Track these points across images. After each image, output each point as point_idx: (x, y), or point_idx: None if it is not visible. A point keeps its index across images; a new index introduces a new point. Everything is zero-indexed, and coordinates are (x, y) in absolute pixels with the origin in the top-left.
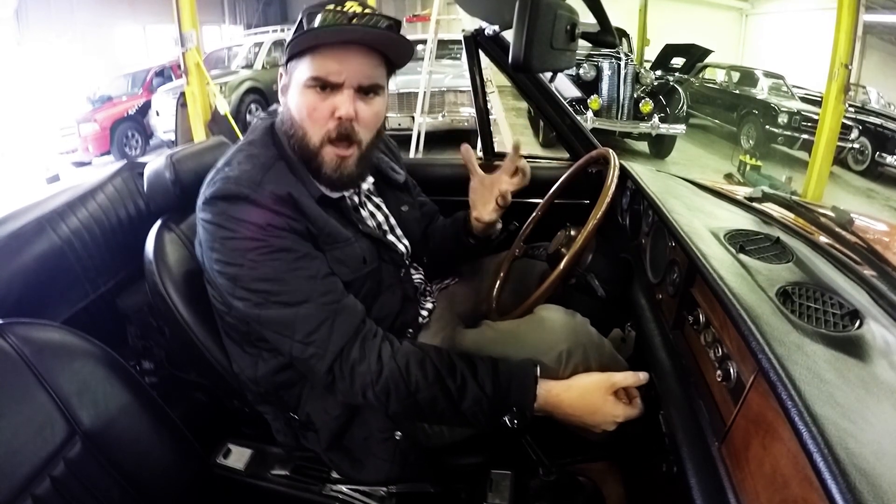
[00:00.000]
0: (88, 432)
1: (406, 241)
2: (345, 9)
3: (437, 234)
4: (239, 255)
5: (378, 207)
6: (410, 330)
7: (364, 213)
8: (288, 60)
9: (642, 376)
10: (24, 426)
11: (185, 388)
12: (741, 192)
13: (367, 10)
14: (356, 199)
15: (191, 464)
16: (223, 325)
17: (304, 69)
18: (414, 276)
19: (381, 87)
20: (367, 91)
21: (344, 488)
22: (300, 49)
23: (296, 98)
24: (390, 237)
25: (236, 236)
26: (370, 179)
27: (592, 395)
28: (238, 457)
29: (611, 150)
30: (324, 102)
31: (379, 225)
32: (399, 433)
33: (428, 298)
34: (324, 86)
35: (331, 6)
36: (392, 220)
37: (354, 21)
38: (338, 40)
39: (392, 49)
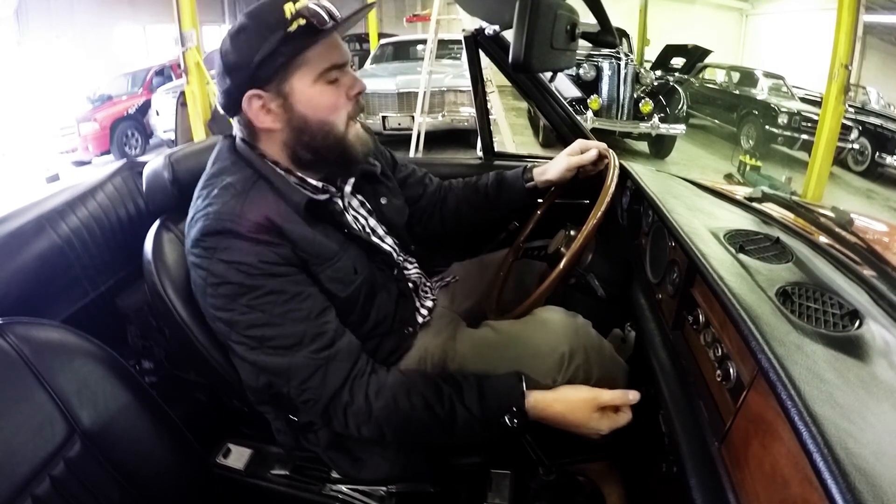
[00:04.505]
0: (88, 432)
1: (390, 240)
2: (303, 3)
3: (459, 191)
4: (230, 301)
5: (360, 206)
6: (410, 328)
7: (349, 216)
8: (269, 77)
9: (632, 396)
10: (23, 426)
11: (185, 387)
12: (741, 192)
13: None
14: (340, 202)
15: (190, 463)
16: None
17: (309, 69)
18: (410, 273)
19: None
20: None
21: (344, 488)
22: (291, 56)
23: (310, 102)
24: (374, 239)
25: (225, 281)
26: (350, 180)
27: (578, 411)
28: (238, 456)
29: (611, 150)
30: (338, 89)
31: (363, 227)
32: None
33: (428, 296)
34: (336, 73)
35: (288, 4)
36: (372, 221)
37: (318, 9)
38: (333, 29)
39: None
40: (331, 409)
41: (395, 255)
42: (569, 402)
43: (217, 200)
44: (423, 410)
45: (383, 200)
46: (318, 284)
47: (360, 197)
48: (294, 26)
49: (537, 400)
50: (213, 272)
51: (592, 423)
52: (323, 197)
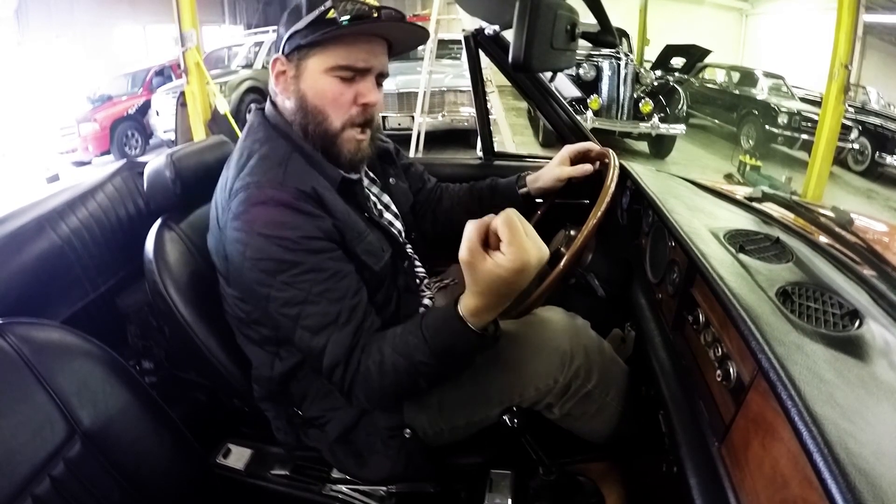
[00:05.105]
0: (88, 432)
1: (399, 223)
2: (363, 0)
3: (454, 193)
4: (269, 276)
5: (372, 183)
6: None
7: (368, 194)
8: (292, 50)
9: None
10: (23, 426)
11: (185, 387)
12: (741, 192)
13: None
14: (364, 180)
15: (190, 464)
16: (239, 325)
17: (325, 58)
18: (416, 269)
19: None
20: (381, 76)
21: (344, 488)
22: (320, 40)
23: (314, 85)
24: (387, 215)
25: (265, 256)
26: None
27: (483, 275)
28: (238, 457)
29: (611, 150)
30: (348, 89)
31: (375, 204)
32: (409, 431)
33: (426, 294)
34: (350, 73)
35: None
36: (385, 198)
37: (376, 14)
38: (372, 33)
39: (403, 43)
40: (354, 384)
41: (401, 238)
42: (472, 280)
43: (257, 171)
44: (395, 356)
45: (392, 181)
46: (355, 259)
47: (371, 174)
48: (330, 14)
49: (471, 309)
50: (253, 246)
51: (489, 262)
52: (355, 176)
